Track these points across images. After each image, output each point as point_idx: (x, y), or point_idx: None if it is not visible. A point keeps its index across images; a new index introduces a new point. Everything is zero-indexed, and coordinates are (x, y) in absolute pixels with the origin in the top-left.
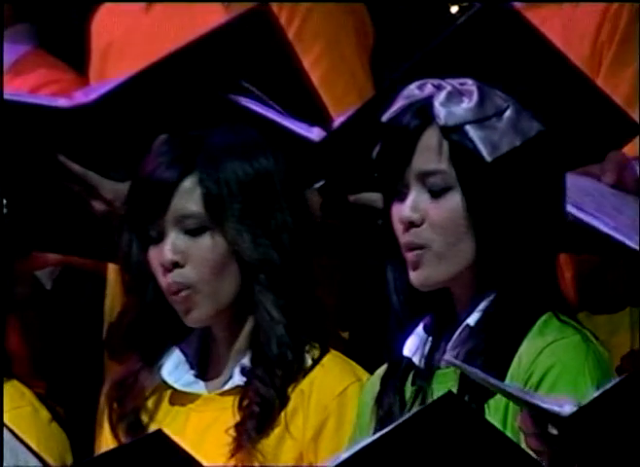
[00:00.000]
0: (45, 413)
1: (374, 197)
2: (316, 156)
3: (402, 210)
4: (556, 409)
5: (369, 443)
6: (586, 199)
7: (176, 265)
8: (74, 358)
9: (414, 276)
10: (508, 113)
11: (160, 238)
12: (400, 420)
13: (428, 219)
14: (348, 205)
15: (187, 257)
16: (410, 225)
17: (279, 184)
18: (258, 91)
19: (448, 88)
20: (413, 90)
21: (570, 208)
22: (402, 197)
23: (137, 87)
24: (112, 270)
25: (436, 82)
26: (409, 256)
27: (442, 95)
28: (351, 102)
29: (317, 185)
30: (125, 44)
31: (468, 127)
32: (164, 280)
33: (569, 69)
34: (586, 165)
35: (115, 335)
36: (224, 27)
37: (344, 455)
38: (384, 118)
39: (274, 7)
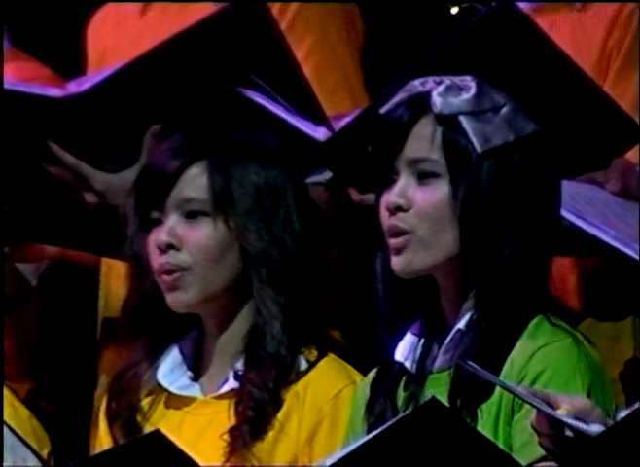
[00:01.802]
0: (23, 411)
1: None
2: (321, 155)
3: (389, 196)
4: (583, 427)
5: (352, 450)
6: (590, 209)
7: (171, 247)
8: (66, 356)
9: (396, 262)
10: (504, 110)
11: (161, 223)
12: (383, 427)
13: (414, 205)
14: (351, 202)
15: (182, 241)
16: (397, 209)
17: (290, 189)
18: (267, 86)
19: (448, 82)
20: (417, 86)
21: (573, 218)
22: (390, 186)
23: (129, 77)
24: (105, 265)
25: (437, 78)
26: (392, 242)
27: (440, 88)
28: (342, 97)
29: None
30: (121, 50)
31: (462, 118)
32: (157, 260)
33: (574, 72)
34: (590, 170)
35: (115, 324)
36: (217, 15)
37: (327, 463)
38: (382, 110)
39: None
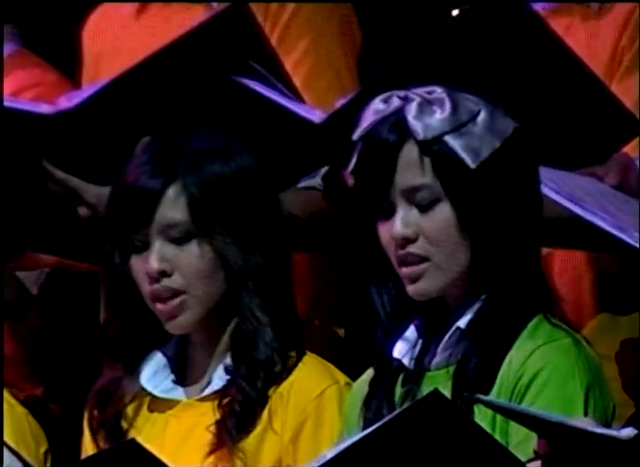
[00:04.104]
0: (20, 409)
1: None
2: (316, 137)
3: (393, 227)
4: (614, 433)
5: (354, 442)
6: (588, 199)
7: (163, 274)
8: (71, 359)
9: (414, 289)
10: (481, 116)
11: (143, 247)
12: (385, 419)
13: (422, 233)
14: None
15: (174, 265)
16: (405, 241)
17: (257, 183)
18: (263, 70)
19: (417, 99)
20: (379, 105)
21: (572, 206)
22: (387, 215)
23: (118, 90)
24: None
25: (402, 93)
26: (407, 270)
27: (413, 108)
28: (334, 101)
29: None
30: (117, 51)
31: (447, 138)
32: (150, 289)
33: (570, 62)
34: (587, 162)
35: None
36: (202, 27)
37: (329, 455)
38: (356, 135)
39: (261, 6)
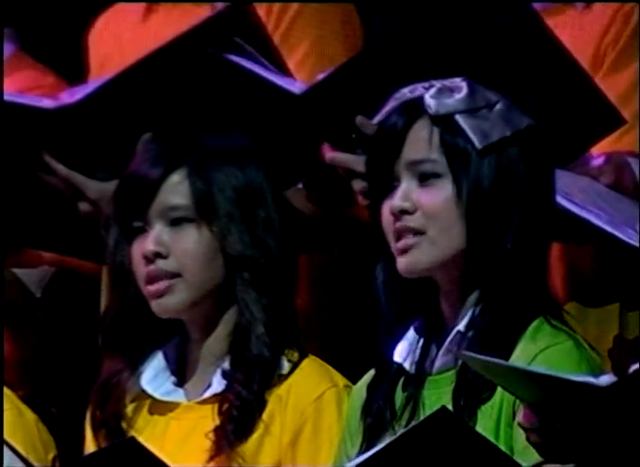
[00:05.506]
0: (30, 415)
1: (351, 159)
2: (297, 109)
3: (393, 201)
4: (593, 381)
5: (362, 461)
6: (583, 196)
7: (159, 255)
8: (70, 360)
9: (402, 261)
10: (498, 106)
11: (144, 232)
12: (392, 438)
13: (420, 207)
14: (331, 190)
15: (170, 248)
16: (402, 213)
17: (268, 189)
18: (246, 45)
19: (438, 85)
20: (405, 94)
21: (564, 201)
22: (393, 193)
23: (120, 86)
24: (105, 272)
25: (426, 84)
26: (400, 243)
27: (431, 91)
28: None
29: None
30: (122, 54)
31: (458, 117)
32: (145, 270)
33: (556, 54)
34: (565, 153)
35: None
36: (204, 24)
37: None
38: (375, 120)
39: (264, 7)
